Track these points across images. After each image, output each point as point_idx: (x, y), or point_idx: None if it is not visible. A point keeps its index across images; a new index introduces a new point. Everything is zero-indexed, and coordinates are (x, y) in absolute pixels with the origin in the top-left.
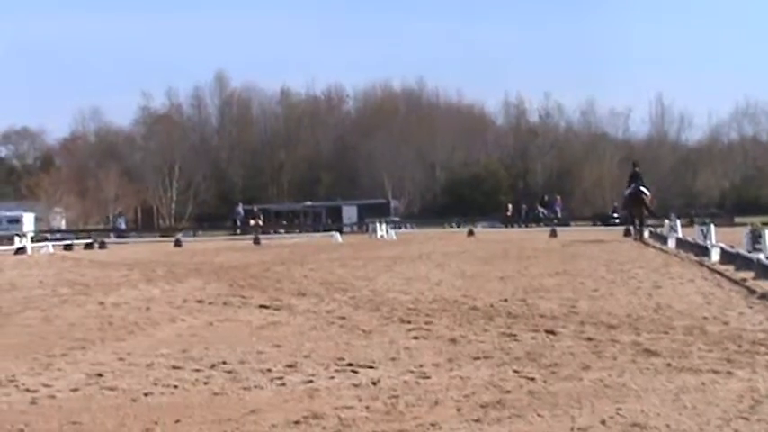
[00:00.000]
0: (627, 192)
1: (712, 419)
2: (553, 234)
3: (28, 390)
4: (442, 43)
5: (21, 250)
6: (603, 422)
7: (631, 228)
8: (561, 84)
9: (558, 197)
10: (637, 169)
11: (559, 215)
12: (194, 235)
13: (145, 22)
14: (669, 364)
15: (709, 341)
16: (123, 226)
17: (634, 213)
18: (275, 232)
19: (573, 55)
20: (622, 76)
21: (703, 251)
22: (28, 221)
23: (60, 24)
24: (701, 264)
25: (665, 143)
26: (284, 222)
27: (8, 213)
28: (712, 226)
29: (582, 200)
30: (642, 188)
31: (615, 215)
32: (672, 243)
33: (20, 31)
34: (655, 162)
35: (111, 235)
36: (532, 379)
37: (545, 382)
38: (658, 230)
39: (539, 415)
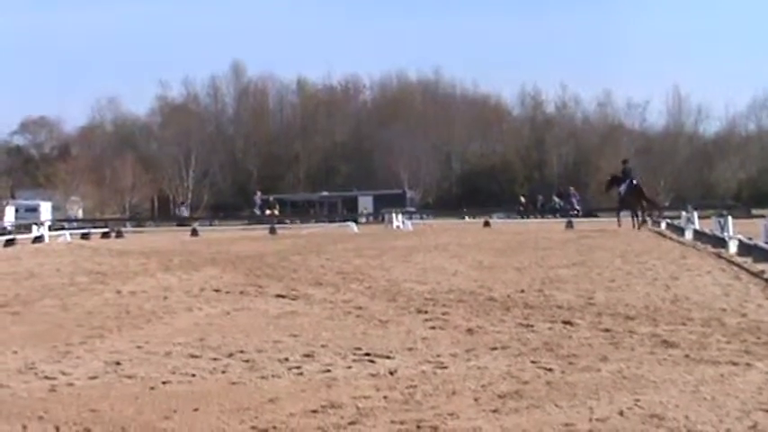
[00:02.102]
0: (622, 188)
1: (731, 411)
2: (569, 225)
3: (47, 377)
4: (459, 33)
5: (38, 239)
6: (622, 413)
7: (620, 219)
8: (578, 74)
9: (572, 188)
10: (627, 166)
11: (576, 206)
12: (210, 224)
13: (162, 12)
14: (687, 356)
15: (727, 333)
16: (186, 214)
17: (635, 206)
18: (291, 222)
19: (590, 46)
20: (639, 67)
21: (721, 243)
22: (45, 210)
23: (78, 14)
24: (719, 255)
25: (682, 134)
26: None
27: (26, 202)
28: (730, 217)
29: (598, 191)
30: (635, 182)
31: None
32: (689, 234)
33: (38, 21)
34: (671, 153)
35: (128, 224)
36: (550, 370)
37: (563, 372)
38: (675, 222)
39: (557, 405)
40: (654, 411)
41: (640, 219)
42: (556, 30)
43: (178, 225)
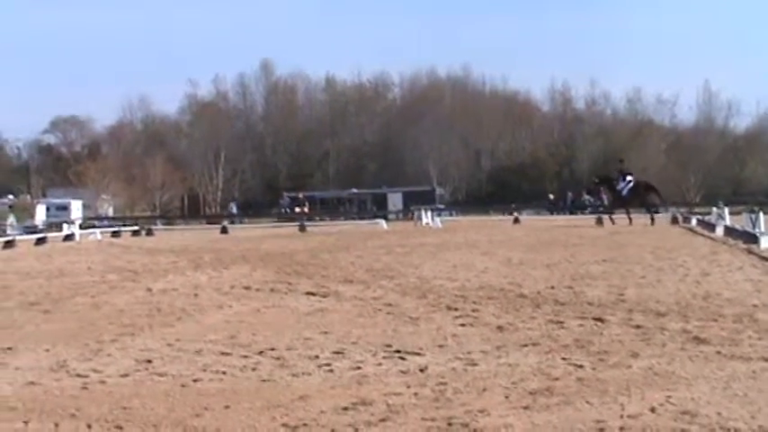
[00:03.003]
0: (625, 185)
1: (763, 407)
2: (599, 221)
3: (79, 375)
4: (488, 30)
5: (69, 237)
6: (653, 410)
7: (605, 216)
8: (608, 70)
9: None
10: (624, 165)
11: (605, 203)
12: (240, 222)
13: (192, 10)
14: (719, 352)
15: (759, 329)
16: (235, 210)
17: (646, 202)
18: (320, 219)
19: (619, 41)
20: (669, 63)
21: (752, 239)
22: (76, 208)
23: (109, 13)
24: (750, 251)
25: (713, 130)
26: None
27: (56, 200)
28: (761, 214)
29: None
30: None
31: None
32: (720, 231)
33: (68, 20)
34: (702, 150)
35: (158, 222)
36: (581, 366)
37: (594, 369)
38: (706, 218)
39: (588, 402)
40: (686, 408)
41: (651, 214)
42: (585, 25)
43: (230, 223)
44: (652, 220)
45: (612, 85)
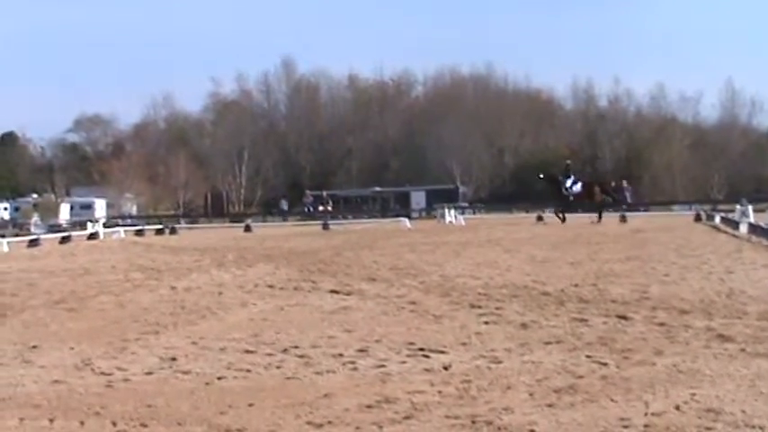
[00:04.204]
0: (574, 184)
1: None
2: (623, 219)
3: (103, 373)
4: (511, 27)
5: (93, 236)
6: (678, 407)
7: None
8: (631, 68)
9: (625, 182)
10: (569, 165)
11: (629, 201)
12: (264, 220)
13: (215, 8)
14: (743, 350)
15: None
16: (286, 207)
17: (598, 202)
18: (344, 218)
19: (643, 39)
20: (693, 60)
21: None
22: (100, 207)
23: (133, 11)
24: None
25: (736, 128)
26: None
27: (80, 199)
28: None
29: (651, 185)
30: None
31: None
32: (743, 228)
33: (92, 19)
34: (725, 147)
35: (182, 220)
36: (605, 364)
37: (618, 367)
38: (729, 216)
39: (612, 400)
40: (710, 406)
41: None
42: (608, 23)
43: (282, 220)
44: (599, 217)
45: (636, 82)
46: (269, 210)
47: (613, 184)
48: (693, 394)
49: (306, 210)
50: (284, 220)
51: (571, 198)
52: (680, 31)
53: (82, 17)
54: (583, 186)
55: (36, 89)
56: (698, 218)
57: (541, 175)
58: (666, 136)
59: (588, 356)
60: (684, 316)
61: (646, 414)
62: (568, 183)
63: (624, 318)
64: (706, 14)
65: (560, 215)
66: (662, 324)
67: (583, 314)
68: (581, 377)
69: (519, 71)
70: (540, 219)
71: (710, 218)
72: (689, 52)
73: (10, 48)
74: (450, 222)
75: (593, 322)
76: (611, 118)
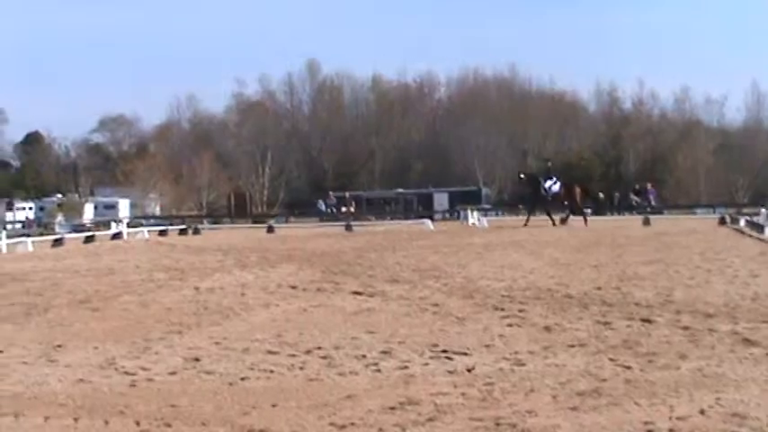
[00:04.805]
0: (553, 184)
1: None
2: (647, 222)
3: (127, 373)
4: (535, 29)
5: (117, 236)
6: (702, 412)
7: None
8: (655, 70)
9: (649, 185)
10: (550, 165)
11: (653, 203)
12: (286, 221)
13: (239, 10)
14: None
15: None
16: (324, 208)
17: (571, 202)
18: (366, 219)
19: (667, 41)
20: (717, 62)
21: None
22: (123, 207)
23: (156, 12)
24: None
25: (761, 131)
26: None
27: (104, 199)
28: None
29: (675, 188)
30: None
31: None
32: None
33: (117, 20)
34: (750, 150)
35: (205, 221)
36: (629, 367)
37: (642, 370)
38: (754, 219)
39: (636, 404)
40: (735, 410)
41: (568, 214)
42: (632, 25)
43: (320, 220)
44: (585, 220)
45: (660, 84)
46: (292, 210)
47: (637, 186)
48: (718, 398)
49: (328, 211)
50: (321, 220)
51: (549, 198)
52: (705, 33)
53: (106, 18)
54: (561, 186)
55: (61, 89)
56: (722, 221)
57: (522, 176)
58: (691, 139)
59: (612, 360)
60: (709, 320)
61: (670, 418)
62: (548, 183)
63: (648, 321)
64: (731, 17)
65: (551, 217)
66: (686, 328)
67: (606, 317)
68: (605, 380)
69: (543, 73)
70: (563, 221)
71: (735, 221)
72: (714, 54)
73: (36, 48)
74: (473, 224)
75: (616, 325)
76: (635, 120)
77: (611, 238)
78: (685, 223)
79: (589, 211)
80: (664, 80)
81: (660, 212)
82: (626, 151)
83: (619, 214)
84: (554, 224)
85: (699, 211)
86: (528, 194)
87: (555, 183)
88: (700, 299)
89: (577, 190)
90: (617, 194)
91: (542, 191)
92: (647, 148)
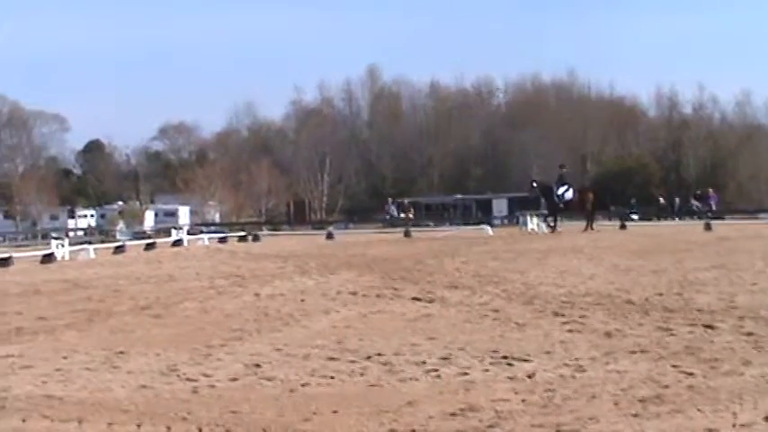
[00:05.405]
0: (566, 191)
1: None
2: (708, 227)
3: (189, 379)
4: (594, 34)
5: (177, 242)
6: (767, 419)
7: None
8: (715, 74)
9: (711, 190)
10: (565, 171)
11: (714, 208)
12: (346, 228)
13: (298, 17)
14: None
15: None
16: (395, 212)
17: (589, 207)
18: (425, 225)
19: (727, 44)
20: None
21: None
22: (183, 214)
23: (216, 21)
24: None
25: None
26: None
27: (165, 206)
28: None
29: (736, 193)
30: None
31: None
32: None
33: (176, 29)
34: None
35: (264, 228)
36: (691, 374)
37: (705, 377)
38: None
39: (699, 410)
40: None
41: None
42: (692, 29)
43: (391, 225)
44: (592, 226)
45: (721, 89)
46: (351, 217)
47: (698, 192)
48: None
49: (388, 217)
50: (393, 225)
51: (561, 205)
52: (765, 37)
53: (167, 28)
54: (575, 193)
55: (122, 98)
56: (553, 228)
57: (534, 184)
58: (752, 143)
59: (674, 366)
60: None
61: (734, 425)
62: (560, 190)
63: (711, 327)
64: None
65: (551, 225)
66: (750, 334)
67: (668, 323)
68: (667, 387)
69: (602, 78)
70: (623, 227)
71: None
72: None
73: (97, 57)
74: (533, 230)
75: (678, 331)
76: (695, 125)
77: (672, 244)
78: (748, 228)
79: (636, 217)
80: (724, 84)
81: (721, 217)
82: (686, 156)
83: (679, 219)
84: (552, 231)
85: (763, 215)
86: (533, 200)
87: (568, 189)
88: (763, 304)
89: (590, 196)
90: (677, 199)
91: (555, 198)
92: (707, 152)
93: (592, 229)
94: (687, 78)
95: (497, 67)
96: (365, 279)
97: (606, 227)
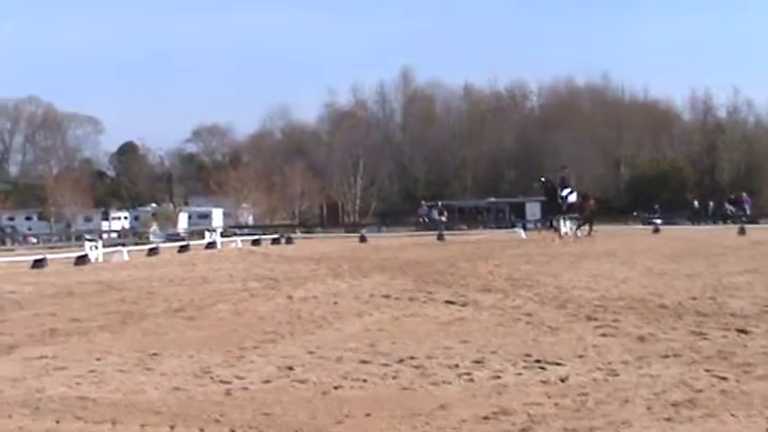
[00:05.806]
0: (569, 194)
1: None
2: (742, 231)
3: (222, 381)
4: (628, 37)
5: (211, 245)
6: None
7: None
8: (750, 77)
9: (745, 194)
10: (566, 172)
11: (748, 212)
12: (379, 230)
13: (332, 20)
14: None
15: None
16: (437, 216)
17: (588, 214)
18: (458, 228)
19: (762, 48)
20: None
21: None
22: (217, 216)
23: (250, 23)
24: None
25: None
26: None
27: (198, 209)
28: None
29: None
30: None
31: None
32: None
33: (210, 31)
34: None
35: (297, 230)
36: (725, 378)
37: (738, 381)
38: None
39: (732, 415)
40: None
41: (580, 225)
42: (727, 32)
43: (435, 229)
44: (590, 231)
45: (756, 92)
46: (384, 220)
47: (732, 196)
48: None
49: (420, 220)
50: (430, 229)
51: (564, 208)
52: None
53: (200, 30)
54: (578, 197)
55: (156, 100)
56: (554, 229)
57: (542, 179)
58: None
59: (707, 370)
60: None
61: (767, 430)
62: (564, 193)
63: (744, 332)
64: None
65: (553, 228)
66: None
67: (701, 327)
68: (700, 391)
69: (636, 81)
70: (656, 231)
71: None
72: None
73: (132, 59)
74: (566, 233)
75: (712, 336)
76: (730, 129)
77: (706, 248)
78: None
79: (659, 221)
80: (759, 88)
81: (756, 222)
82: (720, 160)
83: (714, 223)
84: (552, 235)
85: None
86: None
87: (572, 193)
88: None
89: (591, 202)
90: (711, 203)
91: (558, 199)
92: (742, 156)
93: (588, 232)
94: (722, 82)
95: (531, 71)
96: (398, 282)
97: (642, 230)
